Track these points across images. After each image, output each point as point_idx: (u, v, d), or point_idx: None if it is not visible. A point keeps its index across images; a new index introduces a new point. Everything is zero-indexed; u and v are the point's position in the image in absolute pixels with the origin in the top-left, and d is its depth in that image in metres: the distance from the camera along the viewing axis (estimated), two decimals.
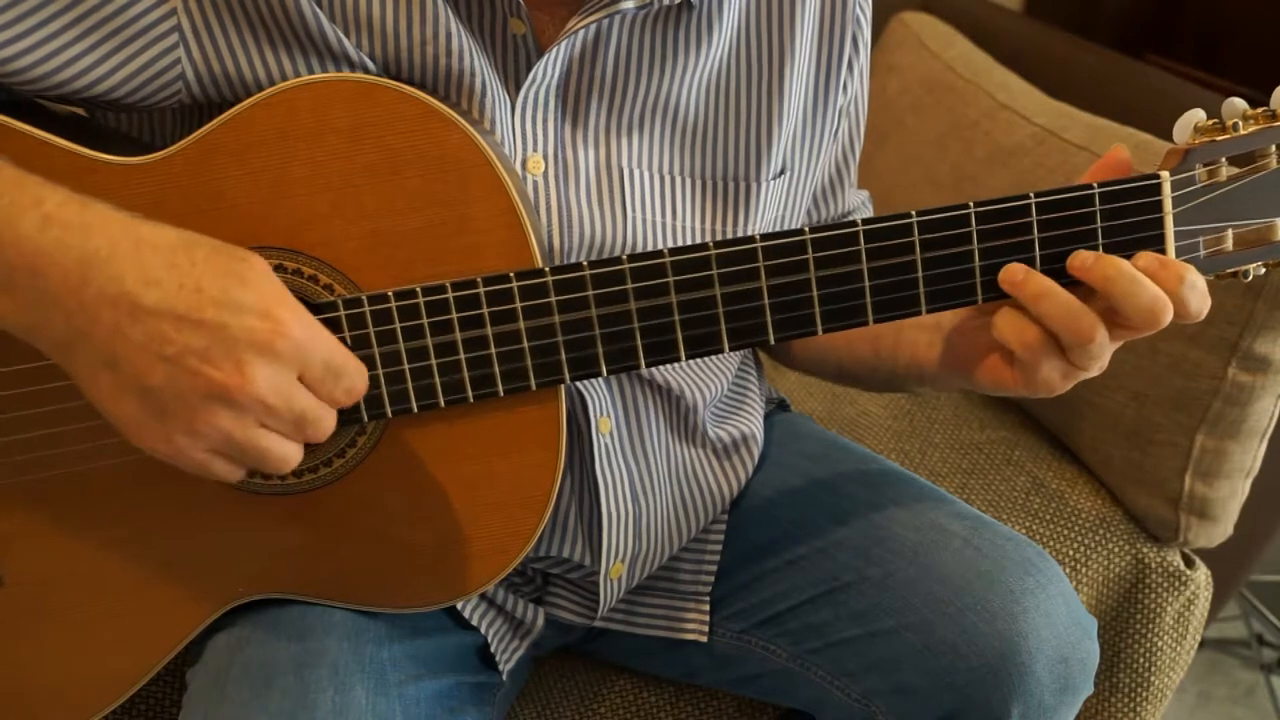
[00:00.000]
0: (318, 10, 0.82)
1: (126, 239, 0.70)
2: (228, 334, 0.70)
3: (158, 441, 0.72)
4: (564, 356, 0.82)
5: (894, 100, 1.77)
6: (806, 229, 0.81)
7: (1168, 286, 0.79)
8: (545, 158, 0.88)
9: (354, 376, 0.76)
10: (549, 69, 0.87)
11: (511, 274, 0.81)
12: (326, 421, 0.75)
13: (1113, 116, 1.43)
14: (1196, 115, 0.83)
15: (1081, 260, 0.81)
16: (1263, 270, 0.85)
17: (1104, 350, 0.81)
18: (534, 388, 0.83)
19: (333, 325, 0.81)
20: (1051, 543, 1.34)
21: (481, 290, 0.81)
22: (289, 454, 0.75)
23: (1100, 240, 0.82)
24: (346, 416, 0.83)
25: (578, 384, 0.92)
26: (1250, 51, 2.05)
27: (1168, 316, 0.80)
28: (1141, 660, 1.34)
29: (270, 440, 0.73)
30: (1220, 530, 1.36)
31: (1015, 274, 0.81)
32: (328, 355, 0.74)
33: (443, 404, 0.83)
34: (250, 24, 0.82)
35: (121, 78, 0.82)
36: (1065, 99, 1.53)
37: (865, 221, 0.81)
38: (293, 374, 0.72)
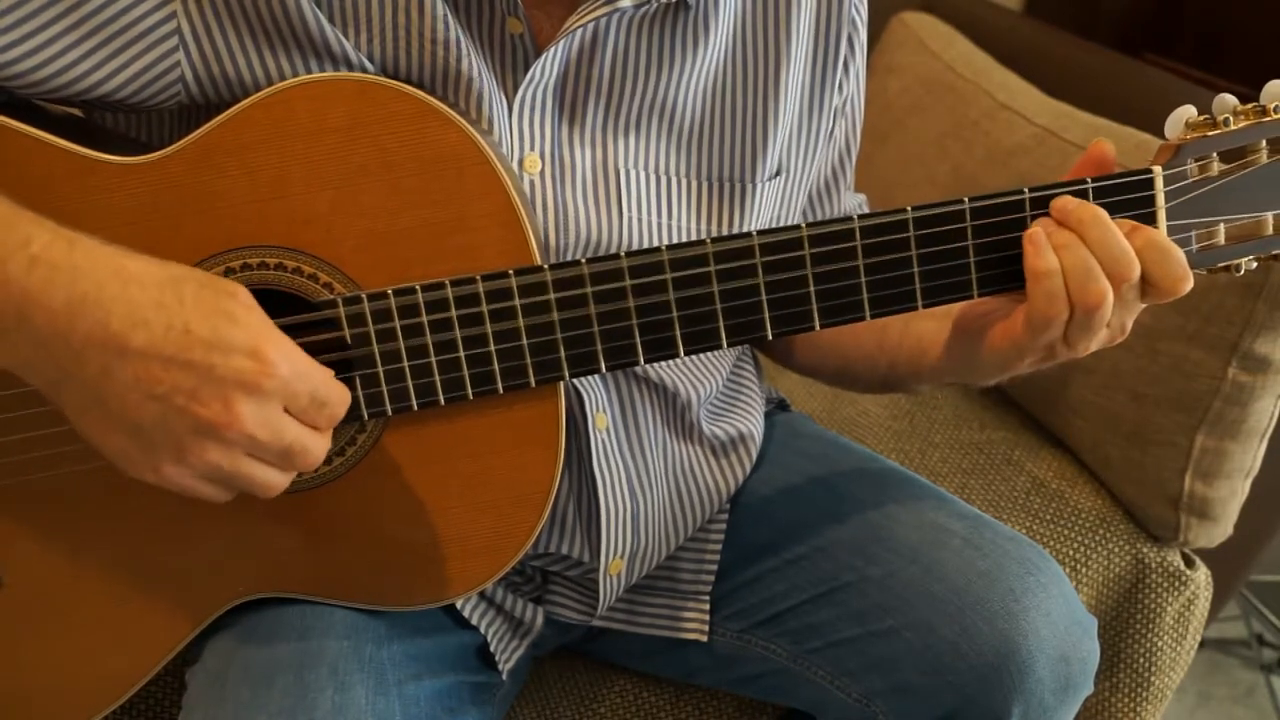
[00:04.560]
0: (318, 11, 0.82)
1: (114, 279, 0.70)
2: (215, 374, 0.70)
3: (146, 471, 0.73)
4: (563, 353, 0.82)
5: (894, 100, 1.77)
6: (803, 225, 0.81)
7: (1136, 243, 0.81)
8: (542, 157, 0.89)
9: (337, 405, 0.76)
10: (547, 68, 0.87)
11: (510, 271, 0.81)
12: (314, 450, 0.75)
13: (1113, 116, 1.43)
14: (1188, 111, 0.83)
15: (1063, 203, 0.82)
16: (1254, 264, 0.86)
17: (1106, 314, 0.81)
18: (533, 385, 0.83)
19: (332, 324, 0.81)
20: (1051, 543, 1.34)
21: (480, 288, 0.81)
22: (274, 481, 0.75)
23: None
24: (347, 415, 0.83)
25: (574, 381, 0.92)
26: (1250, 51, 2.05)
27: (1135, 272, 0.80)
28: (1141, 660, 1.34)
29: (255, 469, 0.74)
30: (1220, 530, 1.36)
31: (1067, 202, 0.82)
32: (313, 388, 0.74)
33: (442, 401, 0.83)
34: (250, 26, 0.83)
35: (122, 80, 0.82)
36: (1065, 99, 1.53)
37: (861, 217, 0.81)
38: (279, 408, 0.73)
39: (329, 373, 0.76)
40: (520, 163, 0.88)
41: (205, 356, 0.70)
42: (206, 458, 0.72)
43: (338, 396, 0.76)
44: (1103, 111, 1.46)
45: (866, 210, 1.15)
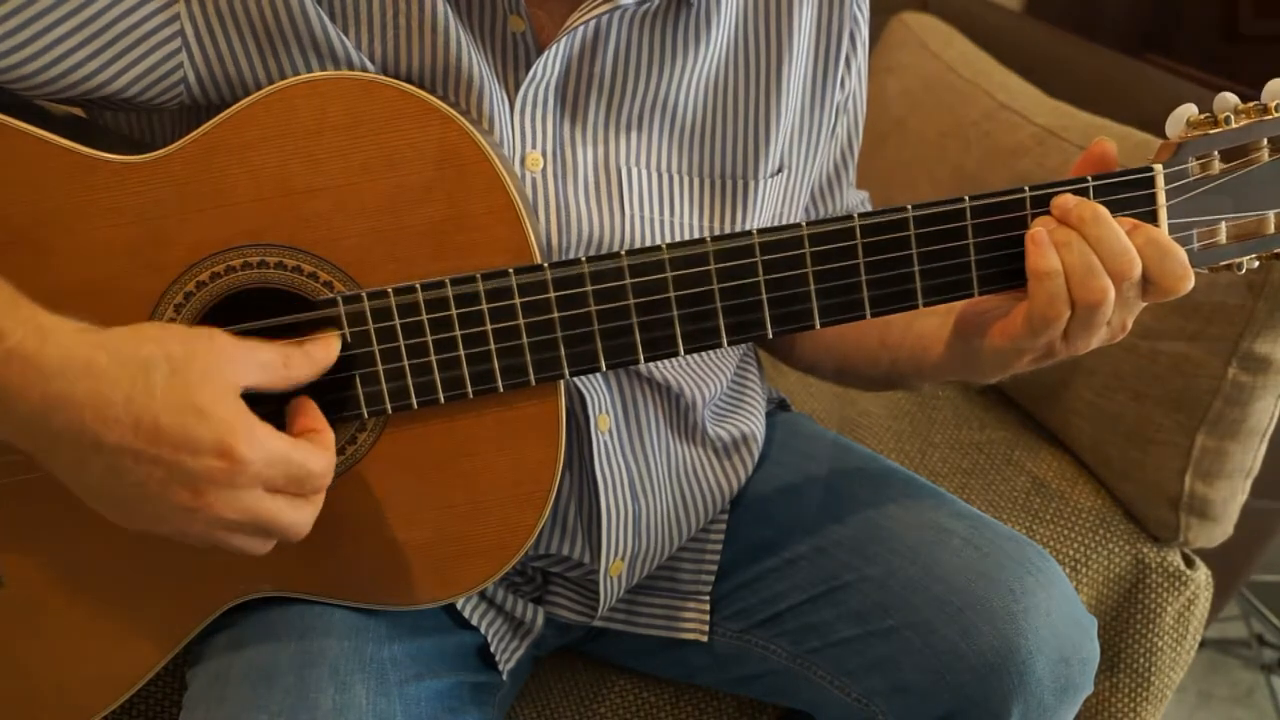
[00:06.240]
0: (319, 11, 0.82)
1: (85, 376, 0.71)
2: (184, 470, 0.72)
3: (136, 527, 0.76)
4: (563, 352, 0.82)
5: (894, 100, 1.77)
6: (803, 224, 0.81)
7: (1136, 241, 0.81)
8: (544, 155, 0.89)
9: (318, 477, 0.76)
10: (549, 66, 0.87)
11: (510, 270, 0.81)
12: (295, 523, 0.76)
13: (1113, 116, 1.43)
14: (1189, 109, 0.83)
15: (1064, 200, 0.82)
16: (1255, 263, 0.86)
17: (1107, 312, 0.81)
18: (533, 383, 0.83)
19: (332, 322, 0.81)
20: (1051, 543, 1.34)
21: (480, 286, 0.81)
22: (255, 548, 0.77)
23: None
24: (347, 413, 0.83)
25: (577, 382, 0.92)
26: (1250, 51, 2.05)
27: (1136, 270, 0.80)
28: (1141, 660, 1.34)
29: (234, 539, 0.76)
30: (1220, 530, 1.36)
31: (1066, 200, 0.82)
32: (288, 471, 0.75)
33: (442, 400, 0.83)
34: (253, 28, 0.83)
35: (126, 80, 0.83)
36: (1065, 99, 1.53)
37: (861, 216, 0.81)
38: (255, 492, 0.74)
39: (307, 444, 0.76)
40: (522, 160, 0.88)
41: (173, 455, 0.71)
42: (184, 529, 0.75)
43: (319, 468, 0.76)
44: (1103, 111, 1.46)
45: (869, 207, 1.15)
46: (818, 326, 0.83)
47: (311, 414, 0.80)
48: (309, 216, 0.81)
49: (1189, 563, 1.37)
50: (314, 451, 0.76)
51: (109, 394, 0.71)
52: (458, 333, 0.82)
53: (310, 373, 0.79)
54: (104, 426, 0.71)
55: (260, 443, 0.73)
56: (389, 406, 0.83)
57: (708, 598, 1.07)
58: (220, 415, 0.72)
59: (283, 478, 0.74)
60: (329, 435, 0.79)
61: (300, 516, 0.76)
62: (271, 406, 0.78)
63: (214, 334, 0.75)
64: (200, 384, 0.72)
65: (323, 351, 0.80)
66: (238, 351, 0.75)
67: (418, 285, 0.81)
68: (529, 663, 1.11)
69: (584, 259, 0.81)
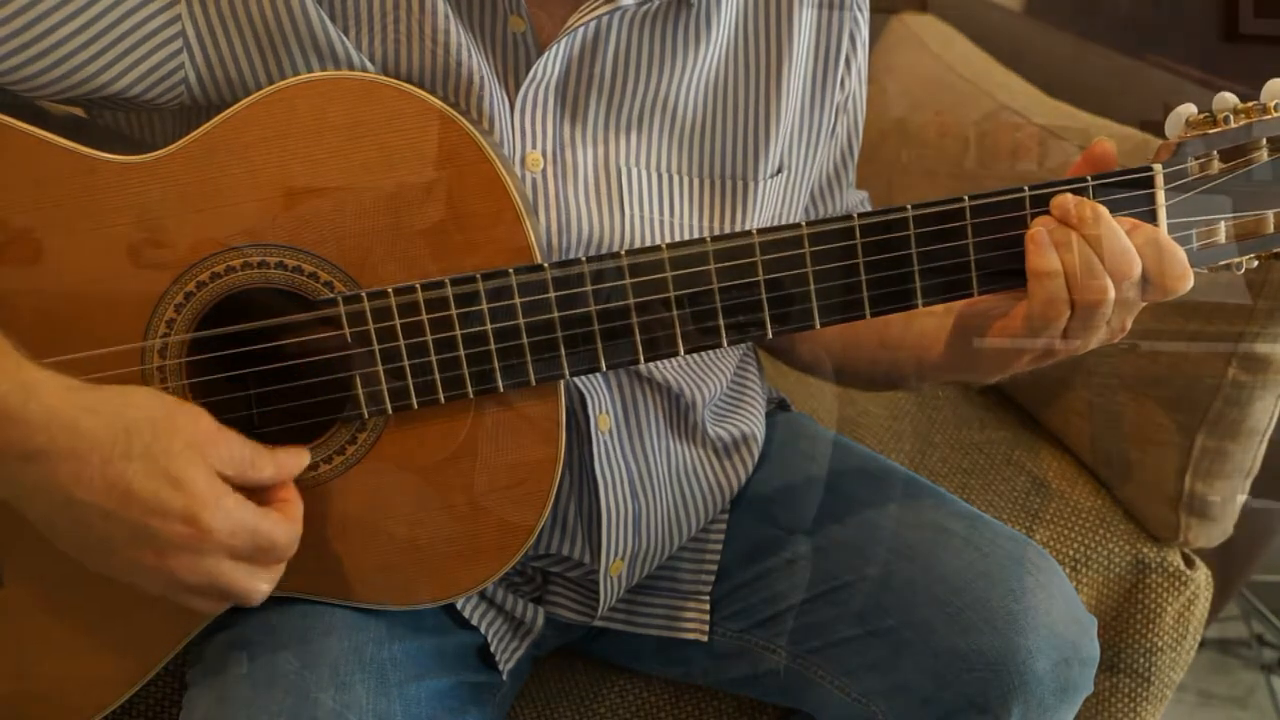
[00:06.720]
0: (320, 11, 0.82)
1: (65, 434, 0.73)
2: (150, 533, 0.73)
3: (100, 572, 0.78)
4: (563, 352, 0.83)
5: (894, 100, 1.77)
6: (803, 224, 0.81)
7: (1136, 241, 0.81)
8: (544, 155, 0.89)
9: (282, 549, 0.78)
10: (549, 66, 0.87)
11: (510, 270, 0.81)
12: (253, 590, 0.78)
13: (1113, 116, 1.43)
14: (1188, 109, 0.84)
15: (1063, 200, 0.82)
16: (1255, 263, 0.86)
17: (1107, 312, 0.82)
18: (533, 383, 0.83)
19: (332, 322, 0.81)
20: (1051, 543, 1.34)
21: (481, 286, 0.81)
22: (214, 609, 0.80)
23: None
24: (348, 414, 0.83)
25: (577, 382, 0.92)
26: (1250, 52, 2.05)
27: (1136, 269, 0.80)
28: (1141, 660, 1.34)
29: (194, 600, 0.78)
30: (1220, 530, 1.36)
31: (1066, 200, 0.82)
32: (254, 542, 0.76)
33: (443, 400, 0.83)
34: (253, 27, 0.83)
35: (129, 81, 0.83)
36: (1065, 99, 1.53)
37: (861, 216, 0.82)
38: (218, 560, 0.75)
39: (275, 515, 0.78)
40: (522, 160, 0.88)
41: (142, 518, 0.73)
42: (143, 584, 0.77)
43: (283, 540, 0.78)
44: (1103, 111, 1.46)
45: (868, 208, 1.15)
46: (817, 326, 0.83)
47: (284, 481, 0.81)
48: (309, 216, 0.81)
49: (1189, 563, 1.36)
50: (280, 523, 0.78)
51: (87, 454, 0.73)
52: (458, 332, 0.82)
53: (273, 479, 0.80)
54: (76, 484, 0.73)
55: (227, 513, 0.75)
56: (389, 406, 0.83)
57: (708, 597, 1.07)
58: (192, 485, 0.74)
59: (247, 547, 0.76)
60: (298, 506, 0.80)
61: (258, 584, 0.78)
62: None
63: (200, 414, 0.77)
64: (178, 454, 0.74)
65: (292, 462, 0.82)
66: (215, 438, 0.77)
67: (418, 285, 0.81)
68: (529, 663, 1.11)
69: (584, 259, 0.81)
